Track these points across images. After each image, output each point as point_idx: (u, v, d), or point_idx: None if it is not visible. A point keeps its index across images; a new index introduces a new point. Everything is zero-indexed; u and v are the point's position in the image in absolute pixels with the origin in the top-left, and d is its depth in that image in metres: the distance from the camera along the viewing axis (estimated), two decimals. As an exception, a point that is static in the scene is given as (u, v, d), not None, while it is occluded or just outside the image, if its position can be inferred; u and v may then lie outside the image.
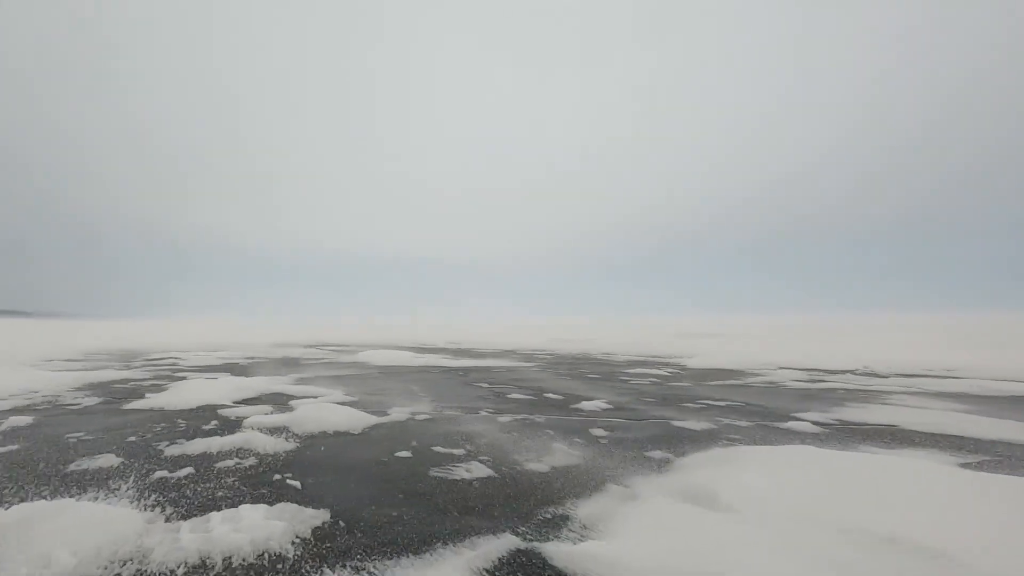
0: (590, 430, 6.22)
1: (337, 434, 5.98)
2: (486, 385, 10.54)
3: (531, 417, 7.04)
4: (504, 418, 6.93)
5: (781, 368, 15.98)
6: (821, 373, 14.50)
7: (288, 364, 15.25)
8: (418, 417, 6.89)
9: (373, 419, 6.63)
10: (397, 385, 10.42)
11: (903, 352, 21.91)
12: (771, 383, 11.62)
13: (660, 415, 7.28)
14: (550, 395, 9.12)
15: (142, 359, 16.90)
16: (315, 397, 8.52)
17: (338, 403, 7.93)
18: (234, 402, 8.01)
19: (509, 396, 8.99)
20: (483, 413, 7.31)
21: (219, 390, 8.76)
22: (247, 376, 11.58)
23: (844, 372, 14.61)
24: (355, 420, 6.43)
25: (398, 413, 7.15)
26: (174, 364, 14.87)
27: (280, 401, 8.06)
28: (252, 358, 17.36)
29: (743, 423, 6.75)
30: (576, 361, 18.01)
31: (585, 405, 8.01)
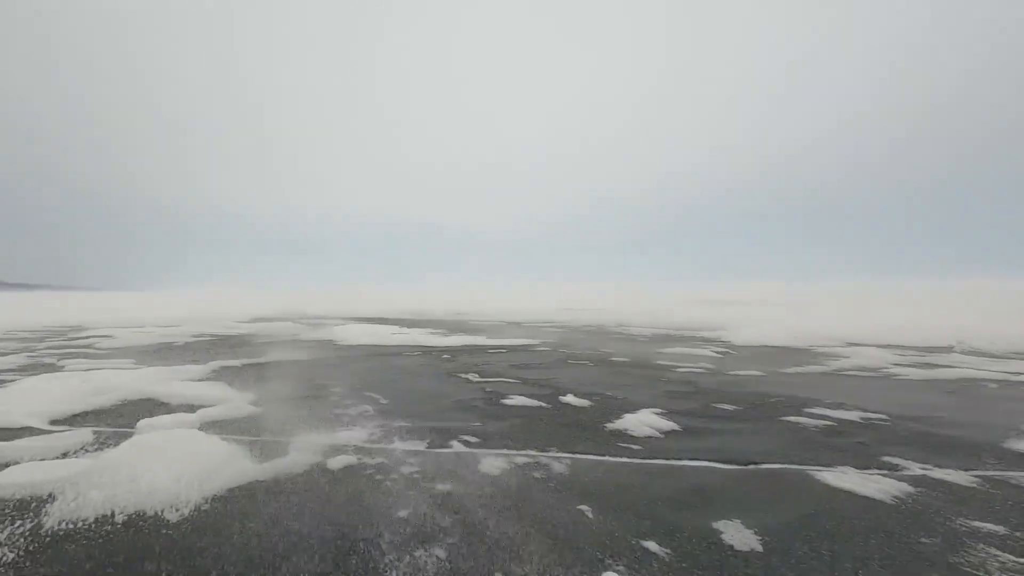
0: (665, 494, 3.05)
1: (112, 528, 2.83)
2: (476, 379, 7.37)
3: (543, 458, 3.86)
4: (493, 463, 3.74)
5: (852, 345, 12.75)
6: (912, 352, 11.26)
7: (233, 344, 12.14)
8: (334, 462, 3.72)
9: (242, 472, 3.46)
10: (349, 380, 7.26)
11: (976, 322, 18.64)
12: (869, 370, 8.39)
13: (773, 450, 4.09)
14: (569, 399, 5.93)
15: (66, 338, 13.84)
16: (203, 407, 5.38)
17: (221, 421, 4.79)
18: (51, 422, 4.88)
19: (506, 402, 5.82)
20: (457, 446, 4.13)
21: (61, 394, 5.64)
22: (154, 365, 8.46)
23: (940, 350, 11.37)
24: (198, 478, 3.26)
25: (305, 450, 3.98)
26: (90, 345, 11.78)
27: (130, 417, 4.91)
28: (200, 336, 14.27)
29: (961, 476, 3.55)
30: (592, 336, 14.82)
31: (629, 422, 4.83)
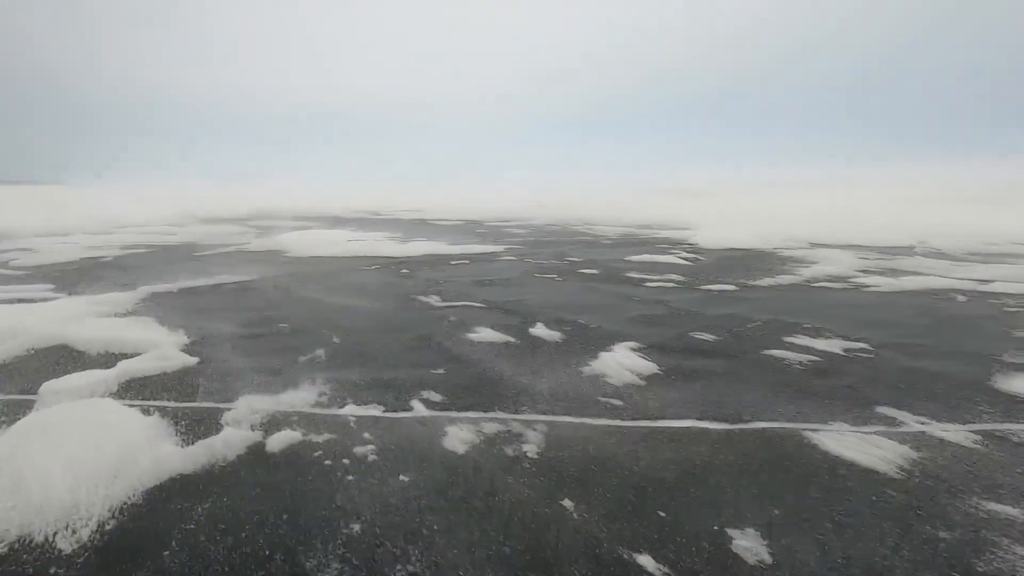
0: (655, 475, 2.71)
1: None
2: (438, 303, 6.84)
3: (515, 424, 3.46)
4: (459, 434, 3.31)
5: (816, 246, 12.72)
6: (876, 255, 11.28)
7: (171, 258, 11.12)
8: (276, 441, 3.21)
9: (162, 463, 2.92)
10: (298, 310, 6.62)
11: (918, 217, 19.01)
12: (838, 280, 8.26)
13: (760, 401, 3.81)
14: (539, 331, 5.51)
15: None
16: (125, 356, 4.70)
17: (145, 377, 4.16)
18: (-66, 387, 4.14)
19: (472, 336, 5.35)
20: (418, 407, 3.68)
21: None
22: (75, 293, 7.56)
23: (902, 251, 11.40)
24: (105, 478, 2.71)
25: (242, 423, 3.45)
26: (5, 263, 10.54)
27: (33, 377, 4.20)
28: (132, 247, 13.06)
29: (961, 433, 3.33)
30: (558, 240, 14.32)
31: (607, 364, 4.47)
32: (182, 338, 5.24)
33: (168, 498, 2.65)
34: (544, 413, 3.58)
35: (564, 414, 3.55)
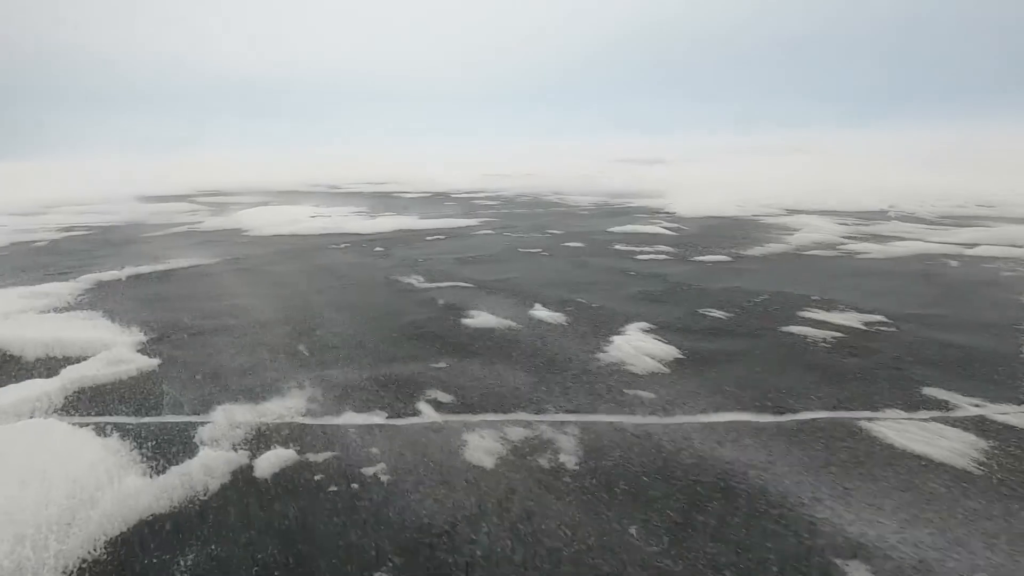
0: (720, 484, 2.37)
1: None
2: (422, 284, 6.31)
3: (542, 427, 3.06)
4: (480, 443, 2.89)
5: (792, 212, 12.66)
6: (852, 219, 11.29)
7: (116, 242, 10.12)
8: (265, 463, 2.71)
9: (128, 502, 2.39)
10: (268, 297, 6.00)
11: (883, 181, 19.38)
12: (827, 247, 8.12)
13: (797, 386, 3.52)
14: (540, 313, 5.10)
15: None
16: (69, 361, 4.05)
17: (96, 387, 3.55)
18: None
19: (468, 323, 4.89)
20: (426, 411, 3.23)
21: None
22: (5, 284, 6.68)
23: (876, 216, 11.42)
24: (57, 531, 2.18)
25: (221, 441, 2.92)
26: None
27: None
28: (70, 229, 11.89)
29: (1022, 417, 3.11)
30: (533, 212, 13.83)
31: (623, 349, 4.10)
32: (137, 336, 4.60)
33: (140, 549, 2.15)
34: (570, 411, 3.19)
35: (593, 412, 3.17)
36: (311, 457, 2.72)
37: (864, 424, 2.96)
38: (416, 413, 3.20)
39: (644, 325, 4.66)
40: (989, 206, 13.58)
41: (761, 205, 13.59)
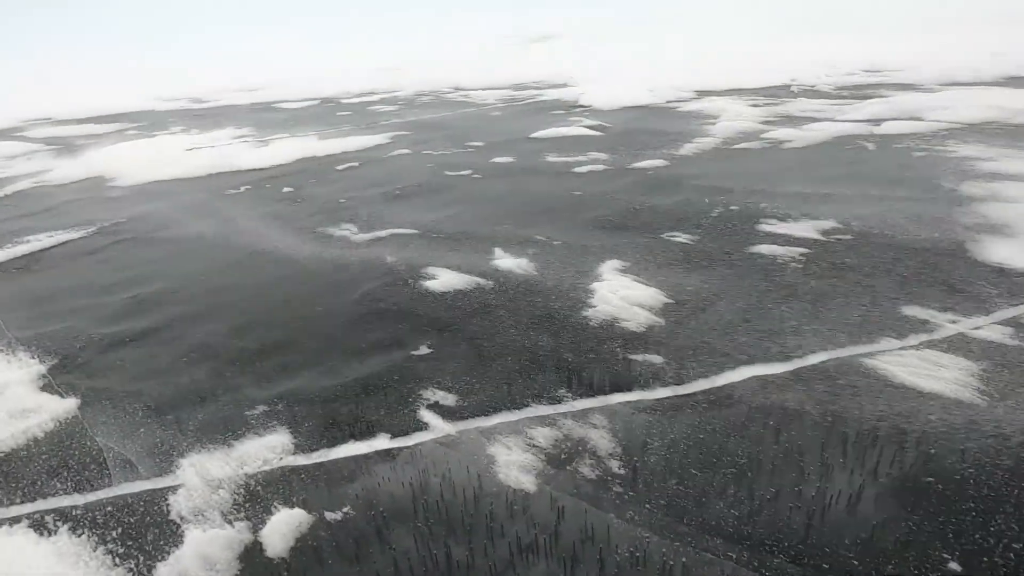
0: (769, 472, 2.35)
1: None
2: (355, 234, 5.64)
3: (562, 420, 2.88)
4: (507, 456, 2.67)
5: (704, 95, 12.66)
6: (762, 98, 11.47)
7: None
8: (271, 527, 2.32)
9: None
10: (173, 281, 5.12)
11: (773, 50, 19.78)
12: (749, 137, 8.20)
13: (788, 321, 3.56)
14: (501, 257, 4.74)
15: None
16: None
17: None
18: None
19: (431, 286, 4.44)
20: (432, 420, 2.91)
21: None
22: None
23: (783, 94, 11.65)
24: None
25: (202, 507, 2.47)
26: None
27: None
28: None
29: (995, 330, 3.32)
30: (443, 119, 12.73)
31: (609, 301, 3.93)
32: (30, 365, 3.74)
33: None
34: (588, 396, 3.00)
35: (609, 392, 3.01)
36: (327, 515, 2.36)
37: (868, 363, 3.04)
38: (422, 427, 2.87)
39: (616, 264, 4.47)
40: (874, 71, 14.32)
41: (672, 89, 13.42)
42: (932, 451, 2.41)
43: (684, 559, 2.02)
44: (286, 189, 7.72)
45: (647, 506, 2.28)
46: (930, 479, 2.27)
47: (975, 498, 2.16)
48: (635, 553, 2.06)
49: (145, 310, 4.42)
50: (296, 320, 4.06)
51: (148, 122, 17.26)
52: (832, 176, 6.27)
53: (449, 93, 18.36)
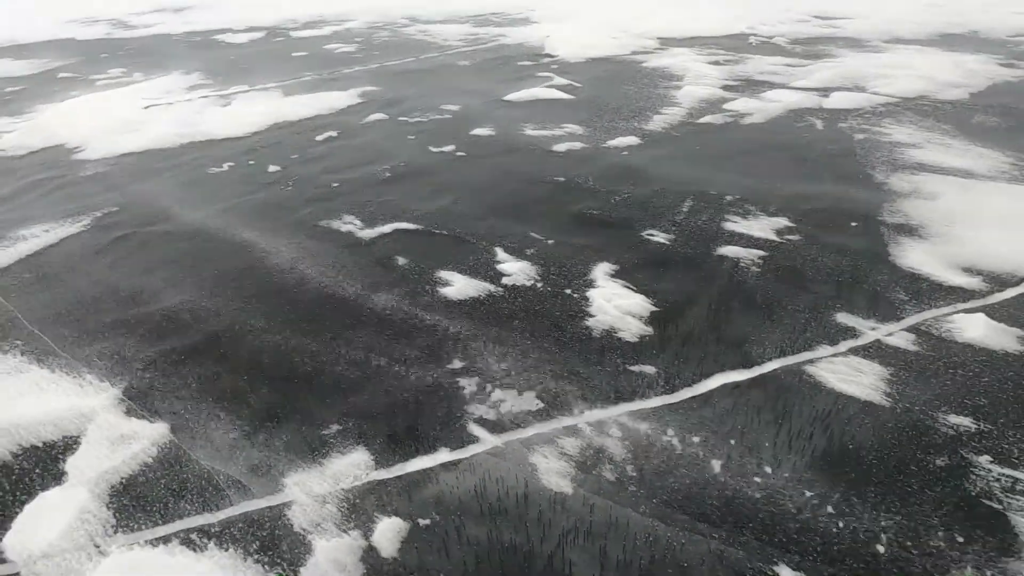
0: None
1: None
2: (359, 229, 6.06)
3: (587, 430, 3.69)
4: (549, 463, 3.49)
5: (666, 43, 12.94)
6: (721, 53, 11.92)
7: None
8: (381, 527, 3.11)
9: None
10: (158, 275, 5.48)
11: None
12: (709, 107, 8.80)
13: (747, 330, 4.42)
14: (506, 261, 5.37)
15: None
16: (59, 450, 3.74)
17: None
18: None
19: (446, 292, 5.05)
20: (482, 434, 3.69)
21: None
22: None
23: (741, 45, 12.10)
24: None
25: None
26: None
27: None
28: None
29: (903, 337, 4.29)
30: (406, 67, 12.51)
31: (606, 311, 4.69)
32: (104, 388, 4.22)
33: (344, 666, 2.60)
34: (595, 405, 3.82)
35: (613, 402, 3.84)
36: (421, 522, 3.15)
37: (809, 370, 3.98)
38: (474, 439, 3.64)
39: (607, 268, 5.20)
40: (824, 18, 14.81)
41: (635, 36, 13.57)
42: (849, 444, 3.40)
43: (683, 541, 2.95)
44: (272, 168, 7.85)
45: (670, 508, 3.18)
46: (845, 464, 3.26)
47: (876, 472, 3.16)
48: (648, 537, 2.97)
49: (184, 325, 4.84)
50: (337, 326, 4.63)
51: (76, 59, 15.89)
52: (785, 164, 7.04)
53: (406, 26, 17.63)
